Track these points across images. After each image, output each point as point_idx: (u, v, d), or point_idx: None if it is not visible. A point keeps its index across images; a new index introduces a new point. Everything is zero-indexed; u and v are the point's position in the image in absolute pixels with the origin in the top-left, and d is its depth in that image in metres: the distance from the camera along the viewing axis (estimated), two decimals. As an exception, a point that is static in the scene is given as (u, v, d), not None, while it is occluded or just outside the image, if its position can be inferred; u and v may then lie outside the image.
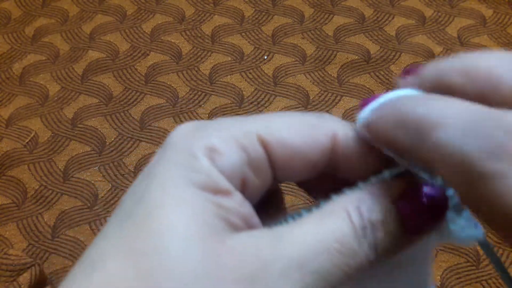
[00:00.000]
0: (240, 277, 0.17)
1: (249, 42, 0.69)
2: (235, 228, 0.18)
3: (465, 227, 0.19)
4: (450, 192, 0.19)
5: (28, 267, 0.46)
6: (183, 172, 0.18)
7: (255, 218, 0.20)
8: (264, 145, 0.20)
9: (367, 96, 0.63)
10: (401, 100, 0.19)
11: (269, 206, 0.22)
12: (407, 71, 0.21)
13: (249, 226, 0.19)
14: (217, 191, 0.18)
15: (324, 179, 0.22)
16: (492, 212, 0.16)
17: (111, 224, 0.19)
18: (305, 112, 0.21)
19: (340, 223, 0.18)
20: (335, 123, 0.21)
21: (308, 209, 0.20)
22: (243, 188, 0.20)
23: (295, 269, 0.18)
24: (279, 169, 0.20)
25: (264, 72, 0.65)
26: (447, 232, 0.19)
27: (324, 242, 0.18)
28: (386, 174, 0.20)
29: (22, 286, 0.46)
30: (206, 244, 0.17)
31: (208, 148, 0.19)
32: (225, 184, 0.19)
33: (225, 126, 0.20)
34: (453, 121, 0.16)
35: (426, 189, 0.19)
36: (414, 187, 0.19)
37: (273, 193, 0.23)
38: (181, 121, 0.61)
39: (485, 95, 0.17)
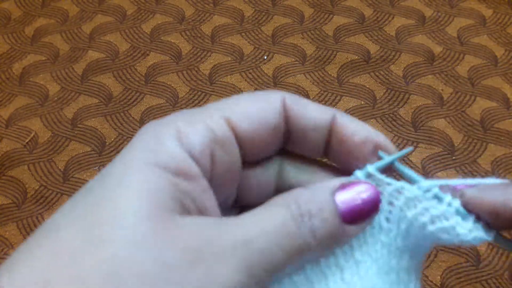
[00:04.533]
0: (185, 250, 0.18)
1: (249, 42, 0.69)
2: (187, 211, 0.20)
3: (473, 229, 0.21)
4: (456, 200, 0.21)
5: (28, 267, 0.46)
6: (147, 153, 0.20)
7: (214, 211, 0.21)
8: (228, 121, 0.21)
9: (367, 97, 0.63)
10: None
11: None
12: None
13: (203, 213, 0.21)
14: (179, 172, 0.20)
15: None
16: None
17: (71, 199, 0.20)
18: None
19: (281, 211, 0.20)
20: (281, 92, 0.23)
21: None
22: (213, 165, 0.21)
23: (240, 247, 0.19)
24: (245, 140, 0.22)
25: (264, 72, 0.65)
26: (455, 234, 0.21)
27: (267, 226, 0.20)
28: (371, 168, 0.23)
29: (22, 286, 0.46)
30: (155, 220, 0.18)
31: (175, 131, 0.20)
32: (189, 167, 0.20)
33: (191, 113, 0.22)
34: None
35: (362, 186, 0.22)
36: (352, 182, 0.22)
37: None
38: (181, 121, 0.61)
39: None
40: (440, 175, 0.55)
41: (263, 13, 0.72)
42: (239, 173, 0.23)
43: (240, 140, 0.22)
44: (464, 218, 0.21)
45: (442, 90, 0.63)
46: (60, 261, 0.17)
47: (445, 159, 0.57)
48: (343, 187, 0.21)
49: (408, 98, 0.62)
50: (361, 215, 0.21)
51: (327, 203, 0.21)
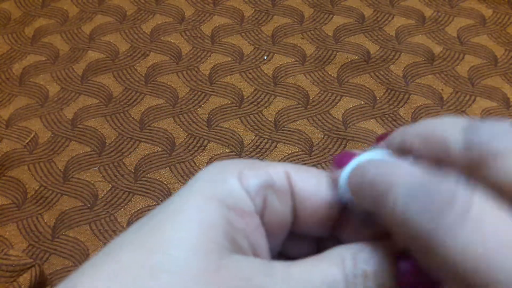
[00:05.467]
0: None
1: (249, 42, 0.69)
2: (239, 249, 0.20)
3: None
4: None
5: (28, 268, 0.46)
6: (208, 186, 0.20)
7: (264, 250, 0.21)
8: (288, 176, 0.22)
9: (367, 97, 0.63)
10: (366, 164, 0.21)
11: None
12: (380, 138, 0.23)
13: (255, 253, 0.20)
14: (235, 209, 0.20)
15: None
16: (445, 273, 0.17)
17: (135, 224, 0.21)
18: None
19: (333, 267, 0.19)
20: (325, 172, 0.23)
21: None
22: (264, 207, 0.21)
23: None
24: (300, 201, 0.22)
25: (264, 72, 0.65)
26: None
27: (314, 282, 0.19)
28: None
29: (22, 286, 0.46)
30: (206, 257, 0.18)
31: (237, 171, 0.21)
32: (246, 204, 0.20)
33: (257, 161, 0.22)
34: (401, 187, 0.18)
35: None
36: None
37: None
38: (181, 122, 0.61)
39: (439, 158, 0.19)
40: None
41: (263, 13, 0.72)
42: (287, 228, 0.23)
43: (295, 197, 0.22)
44: None
45: (442, 90, 0.63)
46: (119, 283, 0.18)
47: (445, 159, 0.57)
48: (403, 255, 0.19)
49: (408, 98, 0.62)
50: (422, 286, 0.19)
51: (386, 267, 0.19)
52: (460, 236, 0.16)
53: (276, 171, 0.22)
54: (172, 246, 0.19)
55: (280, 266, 0.19)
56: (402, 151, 0.21)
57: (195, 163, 0.57)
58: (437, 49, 0.67)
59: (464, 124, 0.19)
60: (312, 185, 0.22)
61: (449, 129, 0.19)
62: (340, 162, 0.22)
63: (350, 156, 0.22)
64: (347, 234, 0.23)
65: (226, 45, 0.68)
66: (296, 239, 0.24)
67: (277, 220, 0.22)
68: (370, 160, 0.21)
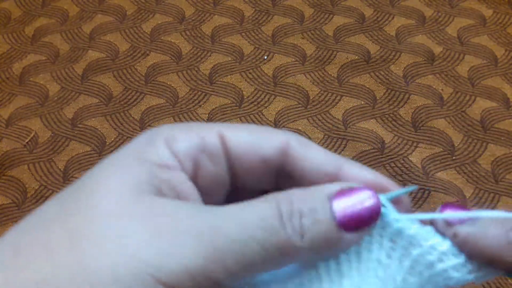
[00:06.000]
0: (151, 224, 0.19)
1: (249, 42, 0.69)
2: (164, 196, 0.20)
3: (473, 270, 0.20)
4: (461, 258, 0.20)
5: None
6: (135, 150, 0.21)
7: (196, 199, 0.21)
8: (221, 137, 0.22)
9: (367, 97, 0.63)
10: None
11: None
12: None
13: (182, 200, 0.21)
14: (160, 165, 0.21)
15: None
16: None
17: (59, 194, 0.21)
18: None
19: (266, 207, 0.20)
20: (290, 133, 0.23)
21: None
22: (196, 169, 0.22)
23: (207, 232, 0.18)
24: (235, 160, 0.22)
25: (264, 72, 0.65)
26: (466, 272, 0.20)
27: (245, 217, 0.19)
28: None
29: (22, 286, 0.46)
30: (130, 198, 0.19)
31: (168, 136, 0.21)
32: (171, 162, 0.21)
33: (190, 124, 0.23)
34: None
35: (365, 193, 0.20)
36: (352, 188, 0.21)
37: None
38: (181, 121, 0.61)
39: None
40: (440, 175, 0.55)
41: (263, 13, 0.72)
42: (226, 186, 0.23)
43: (230, 157, 0.22)
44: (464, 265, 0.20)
45: (442, 90, 0.63)
46: (52, 260, 0.18)
47: (445, 159, 0.57)
48: (342, 192, 0.20)
49: (408, 98, 0.62)
50: (361, 222, 0.20)
51: (322, 204, 0.20)
52: None
53: (208, 133, 0.22)
54: (94, 200, 0.19)
55: (210, 206, 0.20)
56: None
57: (195, 163, 0.57)
58: (437, 49, 0.67)
59: None
60: (246, 142, 0.22)
61: None
62: (453, 208, 0.22)
63: (460, 207, 0.22)
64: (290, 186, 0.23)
65: (226, 45, 0.68)
66: (245, 194, 0.23)
67: (212, 180, 0.22)
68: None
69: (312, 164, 0.22)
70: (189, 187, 0.21)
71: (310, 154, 0.22)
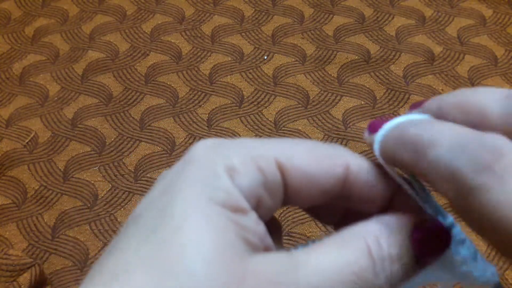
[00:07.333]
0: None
1: (249, 42, 0.69)
2: (253, 247, 0.19)
3: (482, 270, 0.20)
4: (467, 241, 0.20)
5: (28, 267, 0.46)
6: (205, 189, 0.19)
7: (268, 238, 0.20)
8: (281, 169, 0.20)
9: (367, 97, 0.63)
10: (405, 123, 0.21)
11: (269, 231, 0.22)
12: (415, 105, 0.23)
13: (265, 246, 0.20)
14: (236, 209, 0.19)
15: (334, 206, 0.23)
16: (482, 223, 0.18)
17: (133, 236, 0.18)
18: (321, 142, 0.22)
19: (359, 255, 0.19)
20: (348, 154, 0.22)
21: (313, 241, 0.20)
22: (257, 208, 0.20)
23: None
24: (292, 193, 0.21)
25: (264, 72, 0.65)
26: (470, 278, 0.20)
27: (342, 273, 0.18)
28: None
29: (22, 286, 0.46)
30: (230, 267, 0.17)
31: (228, 167, 0.19)
32: (243, 202, 0.19)
33: (245, 146, 0.20)
34: (445, 141, 0.19)
35: (435, 220, 0.20)
36: (424, 218, 0.20)
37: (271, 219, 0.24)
38: (181, 121, 0.61)
39: (477, 126, 0.20)
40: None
41: (263, 13, 0.72)
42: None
43: (288, 188, 0.21)
44: (474, 259, 0.20)
45: (442, 90, 0.63)
46: None
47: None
48: (420, 230, 0.20)
49: (408, 98, 0.62)
50: (432, 256, 0.20)
51: (406, 247, 0.20)
52: (509, 183, 0.17)
53: (267, 164, 0.20)
54: (188, 263, 0.17)
55: (302, 257, 0.19)
56: (438, 118, 0.21)
57: (195, 163, 0.57)
58: (437, 49, 0.67)
59: (503, 93, 0.20)
60: (306, 175, 0.21)
61: (487, 98, 0.20)
62: (375, 126, 0.22)
63: (386, 120, 0.22)
64: (354, 201, 0.22)
65: (226, 45, 0.68)
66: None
67: (267, 213, 0.21)
68: (409, 120, 0.21)
69: (369, 193, 0.22)
70: (264, 229, 0.20)
71: (369, 181, 0.22)
